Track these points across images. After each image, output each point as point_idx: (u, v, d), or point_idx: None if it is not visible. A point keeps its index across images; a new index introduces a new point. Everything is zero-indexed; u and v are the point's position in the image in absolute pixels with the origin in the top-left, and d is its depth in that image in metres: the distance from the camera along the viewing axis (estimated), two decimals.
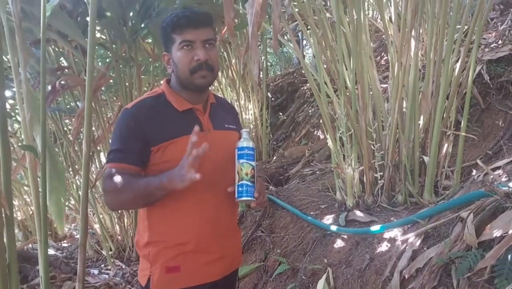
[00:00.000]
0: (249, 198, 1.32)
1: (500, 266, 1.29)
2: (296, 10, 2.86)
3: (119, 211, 4.02)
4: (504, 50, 2.97)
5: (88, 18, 3.15)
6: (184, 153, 1.33)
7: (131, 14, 3.41)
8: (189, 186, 1.26)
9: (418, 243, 1.81)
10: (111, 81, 3.94)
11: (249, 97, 5.08)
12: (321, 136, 4.53)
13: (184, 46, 1.33)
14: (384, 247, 2.11)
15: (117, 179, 1.29)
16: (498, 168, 1.82)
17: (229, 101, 5.16)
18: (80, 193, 4.35)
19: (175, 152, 1.32)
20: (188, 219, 1.37)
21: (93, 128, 4.11)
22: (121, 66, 3.72)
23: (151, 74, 4.23)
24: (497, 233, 1.37)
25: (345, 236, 2.40)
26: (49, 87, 3.47)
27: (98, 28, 3.57)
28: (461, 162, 2.48)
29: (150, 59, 4.04)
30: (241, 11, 3.80)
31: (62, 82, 3.43)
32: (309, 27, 3.22)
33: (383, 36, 4.69)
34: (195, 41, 1.32)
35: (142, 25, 3.44)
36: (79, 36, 2.89)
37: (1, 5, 2.00)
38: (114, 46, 3.63)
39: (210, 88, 1.50)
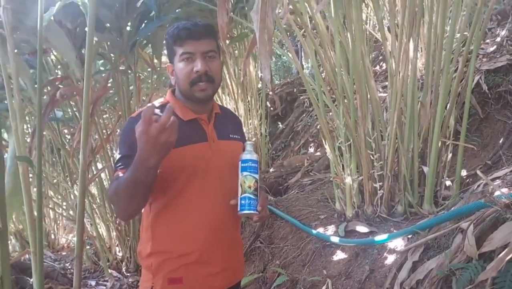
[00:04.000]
0: (252, 212, 1.30)
1: (501, 278, 1.27)
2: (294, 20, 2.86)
3: (117, 221, 4.00)
4: (502, 60, 2.97)
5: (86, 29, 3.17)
6: (188, 161, 1.33)
7: (128, 24, 3.42)
8: (194, 194, 1.26)
9: (418, 254, 1.79)
10: (110, 92, 3.93)
11: (249, 107, 5.08)
12: (320, 146, 4.52)
13: (185, 58, 1.33)
14: (384, 258, 2.09)
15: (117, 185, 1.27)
16: (498, 178, 1.81)
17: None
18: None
19: (178, 161, 1.32)
20: (192, 229, 1.35)
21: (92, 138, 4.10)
22: (117, 77, 3.72)
23: (151, 86, 4.22)
24: (497, 244, 1.35)
25: (345, 247, 2.38)
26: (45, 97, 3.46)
27: (96, 39, 3.57)
28: (460, 171, 2.47)
29: (149, 69, 4.04)
30: (244, 24, 3.81)
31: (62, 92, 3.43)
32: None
33: (382, 46, 4.70)
34: (195, 53, 1.32)
35: (138, 36, 3.45)
36: (73, 60, 2.89)
37: None
38: (112, 56, 3.63)
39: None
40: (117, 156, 1.36)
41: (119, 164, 1.32)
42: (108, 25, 3.27)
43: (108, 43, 3.51)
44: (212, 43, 1.37)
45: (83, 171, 2.06)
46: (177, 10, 3.53)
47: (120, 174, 1.26)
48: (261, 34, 1.65)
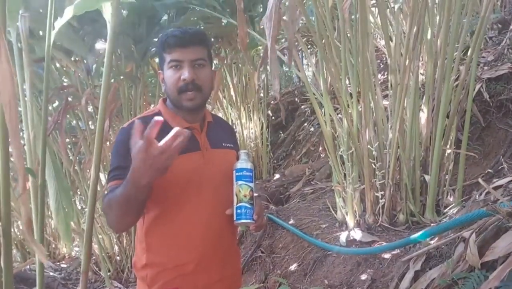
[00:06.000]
0: (248, 220, 1.30)
1: (504, 288, 1.25)
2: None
3: None
4: (503, 68, 2.97)
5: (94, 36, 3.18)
6: (181, 171, 1.32)
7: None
8: (187, 204, 1.25)
9: (420, 264, 1.77)
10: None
11: (250, 116, 5.10)
12: (322, 155, 4.52)
13: (172, 65, 1.32)
14: (385, 267, 2.08)
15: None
16: (500, 186, 1.80)
17: (231, 120, 5.20)
18: (79, 210, 4.33)
19: (171, 171, 1.30)
20: (187, 240, 1.34)
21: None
22: (125, 87, 3.74)
23: (156, 95, 4.23)
24: (500, 254, 1.34)
25: (346, 257, 2.37)
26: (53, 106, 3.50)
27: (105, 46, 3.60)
28: (462, 180, 2.46)
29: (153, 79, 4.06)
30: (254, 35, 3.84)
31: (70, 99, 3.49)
32: (308, 46, 3.25)
33: (382, 55, 4.72)
34: (183, 61, 1.31)
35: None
36: (85, 52, 2.90)
37: (12, 23, 2.00)
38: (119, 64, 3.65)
39: (208, 107, 1.49)
40: (110, 167, 1.35)
41: (111, 175, 1.31)
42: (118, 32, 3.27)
43: (119, 50, 3.51)
44: (201, 51, 1.35)
45: (94, 187, 2.02)
46: (181, 17, 3.56)
47: (113, 185, 1.25)
48: (273, 42, 1.64)
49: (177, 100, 1.35)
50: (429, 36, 2.51)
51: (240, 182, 1.31)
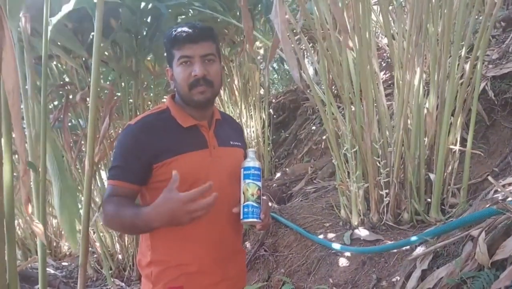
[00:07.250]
0: (255, 219, 1.28)
1: None
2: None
3: None
4: (508, 66, 2.94)
5: (92, 34, 3.17)
6: (188, 169, 1.30)
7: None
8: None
9: (427, 263, 1.76)
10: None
11: (251, 114, 5.08)
12: (324, 153, 4.50)
13: (183, 62, 1.30)
14: (391, 266, 2.06)
15: (113, 202, 1.28)
16: (509, 184, 1.79)
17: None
18: (80, 211, 4.32)
19: (178, 169, 1.29)
20: (192, 239, 1.33)
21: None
22: (123, 83, 3.72)
23: (153, 92, 4.22)
24: (510, 252, 1.32)
25: (351, 255, 2.35)
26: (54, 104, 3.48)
27: (102, 44, 3.57)
28: (467, 179, 2.44)
29: (152, 77, 4.04)
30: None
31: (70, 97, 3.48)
32: (310, 44, 3.23)
33: (384, 54, 4.70)
34: (194, 57, 1.29)
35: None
36: (79, 49, 2.89)
37: (13, 22, 1.99)
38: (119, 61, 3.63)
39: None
40: (112, 162, 1.35)
41: (111, 173, 1.32)
42: (115, 28, 3.26)
43: (119, 46, 3.50)
44: (211, 46, 1.33)
45: (89, 180, 2.02)
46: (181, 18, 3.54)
47: (111, 185, 1.30)
48: (284, 35, 1.64)
49: (187, 96, 1.33)
50: (432, 33, 2.49)
51: (248, 181, 1.29)
